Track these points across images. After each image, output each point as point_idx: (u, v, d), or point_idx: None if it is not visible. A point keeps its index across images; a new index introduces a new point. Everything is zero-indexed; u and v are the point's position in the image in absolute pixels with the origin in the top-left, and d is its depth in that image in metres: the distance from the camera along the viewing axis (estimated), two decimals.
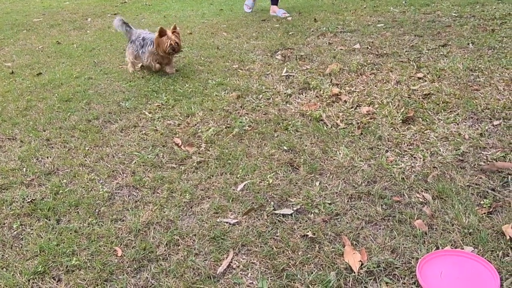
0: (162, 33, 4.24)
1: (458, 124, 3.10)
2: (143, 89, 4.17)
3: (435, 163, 2.69)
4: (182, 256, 2.17)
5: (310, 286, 1.93)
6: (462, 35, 4.99)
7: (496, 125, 3.03)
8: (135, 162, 2.99)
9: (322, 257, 2.07)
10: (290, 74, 4.23)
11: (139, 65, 4.74)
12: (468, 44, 4.68)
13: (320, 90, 3.81)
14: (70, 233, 2.36)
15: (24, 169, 3.02)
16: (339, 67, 4.23)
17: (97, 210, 2.53)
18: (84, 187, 2.75)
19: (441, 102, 3.42)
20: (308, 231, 2.24)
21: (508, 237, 2.03)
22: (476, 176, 2.53)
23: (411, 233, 2.16)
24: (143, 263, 2.13)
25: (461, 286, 1.87)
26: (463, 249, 2.02)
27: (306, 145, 2.98)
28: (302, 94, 3.79)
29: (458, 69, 3.99)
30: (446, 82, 3.78)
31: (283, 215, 2.38)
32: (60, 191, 2.73)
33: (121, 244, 2.25)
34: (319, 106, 3.52)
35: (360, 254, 2.07)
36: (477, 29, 5.16)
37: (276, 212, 2.41)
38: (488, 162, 2.64)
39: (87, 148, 3.22)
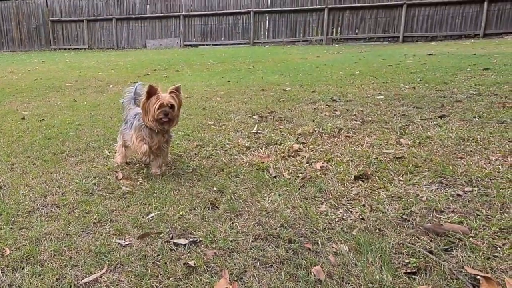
0: (151, 92, 2.96)
1: (420, 186, 2.79)
2: (115, 134, 4.25)
3: (370, 219, 2.43)
4: (58, 264, 2.09)
5: None
6: (471, 109, 4.50)
7: (467, 191, 2.66)
8: (71, 188, 3.02)
9: (192, 286, 1.90)
10: (260, 132, 4.21)
11: (131, 153, 3.46)
12: (474, 117, 4.19)
13: (281, 146, 3.74)
14: None
15: None
16: (312, 129, 4.16)
17: (13, 219, 2.60)
18: (14, 201, 2.86)
19: (411, 165, 3.10)
20: (192, 261, 2.08)
21: None
22: (414, 236, 2.22)
23: (303, 279, 1.95)
24: (21, 264, 2.13)
25: None
26: None
27: (237, 189, 2.88)
28: (262, 148, 3.73)
29: (448, 138, 3.63)
30: (427, 148, 3.45)
31: (177, 244, 2.26)
32: None
33: (13, 247, 2.28)
34: (272, 159, 3.43)
35: None
36: (493, 105, 4.61)
37: (171, 240, 2.28)
38: (433, 222, 2.33)
39: (39, 173, 3.32)
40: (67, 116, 5.41)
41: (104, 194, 2.90)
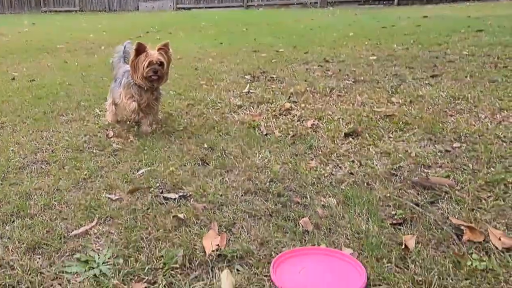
0: (139, 49, 2.88)
1: (409, 143, 2.79)
2: (106, 93, 4.19)
3: (359, 174, 2.43)
4: (49, 217, 2.09)
5: (154, 260, 1.76)
6: (463, 69, 4.50)
7: (455, 147, 2.67)
8: (61, 145, 3.00)
9: (181, 237, 1.91)
10: (252, 91, 4.17)
11: (121, 111, 3.32)
12: (466, 77, 4.20)
13: (273, 105, 3.71)
14: None
15: None
16: (304, 88, 4.13)
17: (3, 175, 2.58)
18: (4, 158, 2.83)
19: (401, 123, 3.10)
20: (182, 214, 2.09)
21: (404, 246, 1.75)
22: (401, 189, 2.23)
23: (291, 230, 1.96)
24: (11, 218, 2.11)
25: (319, 283, 1.64)
26: (341, 249, 1.79)
27: (228, 146, 2.87)
28: (253, 107, 3.70)
29: (439, 97, 3.62)
30: (418, 107, 3.44)
31: (167, 198, 2.26)
32: None
33: (3, 201, 2.26)
34: (263, 117, 3.41)
35: (220, 239, 1.89)
36: (485, 65, 4.60)
37: (161, 195, 2.29)
38: (420, 177, 2.33)
39: (29, 131, 3.30)
40: (57, 76, 5.33)
41: (94, 151, 2.89)
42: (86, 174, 2.53)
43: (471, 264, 1.60)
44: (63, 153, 2.86)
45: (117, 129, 3.29)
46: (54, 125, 3.42)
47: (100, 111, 3.71)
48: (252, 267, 1.71)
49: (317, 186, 2.33)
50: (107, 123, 3.38)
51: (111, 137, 3.12)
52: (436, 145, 2.72)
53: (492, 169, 2.34)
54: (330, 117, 3.36)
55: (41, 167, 2.69)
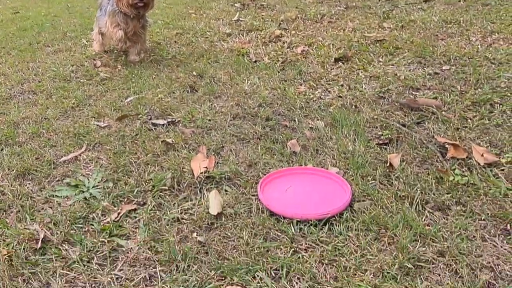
0: None
1: (398, 66, 2.76)
2: (93, 23, 4.06)
3: (348, 97, 2.41)
4: (37, 145, 2.08)
5: (143, 183, 1.77)
6: None
7: (444, 69, 2.64)
8: (48, 75, 2.95)
9: (170, 161, 1.91)
10: (242, 19, 4.05)
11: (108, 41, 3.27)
12: (459, 1, 4.06)
13: (262, 32, 3.61)
14: None
15: None
16: (295, 15, 4.00)
17: None
18: None
19: (391, 47, 3.04)
20: (170, 139, 2.08)
21: (388, 164, 1.76)
22: (389, 111, 2.21)
23: (279, 152, 1.96)
24: (0, 146, 2.11)
25: (305, 200, 1.65)
26: (327, 169, 1.80)
27: (217, 73, 2.82)
28: (243, 35, 3.60)
29: (430, 21, 3.53)
30: (409, 31, 3.37)
31: (155, 124, 2.24)
32: None
33: None
34: (253, 45, 3.33)
35: (208, 162, 1.90)
36: None
37: (150, 121, 2.27)
38: (408, 98, 2.31)
39: (15, 63, 3.22)
40: (42, 8, 5.14)
41: (82, 80, 2.84)
42: (74, 103, 2.50)
43: (453, 179, 1.62)
44: (50, 83, 2.81)
45: (105, 58, 3.22)
46: (40, 56, 3.35)
47: (86, 41, 3.61)
48: (240, 188, 1.72)
49: (306, 109, 2.31)
50: (94, 53, 3.30)
51: (99, 67, 3.05)
52: (425, 68, 2.68)
53: (479, 90, 2.31)
54: (320, 43, 3.28)
55: (28, 97, 2.65)
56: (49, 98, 2.60)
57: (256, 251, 1.38)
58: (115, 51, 3.30)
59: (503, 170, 1.67)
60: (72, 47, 3.50)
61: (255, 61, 3.04)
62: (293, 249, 1.39)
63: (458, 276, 1.25)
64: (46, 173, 1.86)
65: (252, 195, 1.67)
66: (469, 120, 2.04)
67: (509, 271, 1.25)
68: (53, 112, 2.41)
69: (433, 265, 1.29)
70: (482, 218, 1.45)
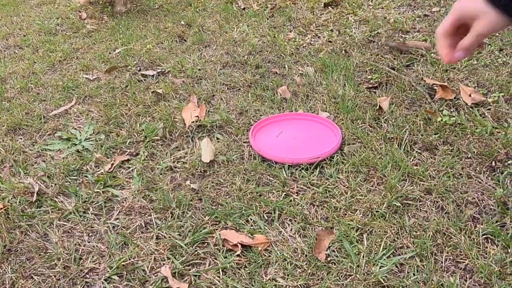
0: None
1: (388, 9, 2.67)
2: None
3: (337, 42, 2.36)
4: (26, 100, 2.04)
5: (135, 134, 1.75)
6: None
7: (434, 11, 2.57)
8: (33, 29, 2.86)
9: (161, 111, 1.89)
10: None
11: None
12: None
13: None
14: None
15: None
16: None
17: None
18: None
19: None
20: (160, 89, 2.04)
21: (378, 107, 1.74)
22: (378, 55, 2.17)
23: (270, 99, 1.93)
24: None
25: (296, 145, 1.65)
26: (317, 114, 1.78)
27: (206, 22, 2.74)
28: None
29: None
30: None
31: (145, 75, 2.20)
32: None
33: None
34: None
35: (199, 111, 1.87)
36: None
37: (139, 72, 2.22)
38: (397, 41, 2.26)
39: None
40: None
41: (68, 33, 2.76)
42: (61, 57, 2.44)
43: (441, 120, 1.62)
44: (36, 37, 2.73)
45: (90, 10, 3.11)
46: (23, 10, 3.23)
47: None
48: (232, 135, 1.72)
49: (296, 56, 2.27)
50: (79, 5, 3.18)
51: (85, 19, 2.96)
52: (415, 11, 2.61)
53: None
54: None
55: (14, 52, 2.58)
56: (35, 52, 2.53)
57: (249, 196, 1.39)
58: (101, 1, 3.18)
59: (489, 109, 1.66)
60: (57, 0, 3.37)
61: (244, 8, 2.95)
62: (285, 193, 1.40)
63: (444, 212, 1.27)
64: (37, 127, 1.84)
65: (244, 142, 1.66)
66: None
67: (492, 205, 1.27)
68: (40, 66, 2.35)
69: (420, 203, 1.30)
70: (469, 156, 1.46)
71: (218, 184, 1.47)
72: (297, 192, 1.40)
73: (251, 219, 1.31)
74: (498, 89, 1.76)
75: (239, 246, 1.20)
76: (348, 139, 1.60)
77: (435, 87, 1.83)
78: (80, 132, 1.79)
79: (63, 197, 1.46)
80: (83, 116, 1.92)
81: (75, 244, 1.27)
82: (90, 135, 1.77)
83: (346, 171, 1.44)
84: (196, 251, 1.22)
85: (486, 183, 1.35)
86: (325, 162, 1.49)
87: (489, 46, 2.09)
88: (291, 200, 1.36)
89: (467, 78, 1.88)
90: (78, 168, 1.59)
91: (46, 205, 1.43)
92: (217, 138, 1.71)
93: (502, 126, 1.57)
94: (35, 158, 1.67)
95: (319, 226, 1.26)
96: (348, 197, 1.35)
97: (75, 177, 1.55)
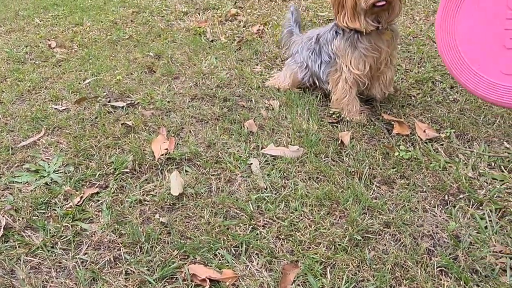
0: None
1: None
2: (45, 1, 3.87)
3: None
4: None
5: (105, 166, 1.74)
6: None
7: None
8: (1, 57, 2.80)
9: (130, 143, 1.88)
10: None
11: None
12: None
13: (218, 11, 3.55)
14: None
15: None
16: None
17: None
18: None
19: None
20: (130, 121, 2.04)
21: (340, 142, 1.81)
22: None
23: (237, 132, 1.96)
24: None
25: None
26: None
27: (175, 53, 2.76)
28: (199, 13, 3.53)
29: None
30: None
31: (114, 107, 2.19)
32: None
33: None
34: (209, 24, 3.27)
35: (169, 143, 1.88)
36: None
37: (109, 104, 2.21)
38: None
39: None
40: None
41: (37, 62, 2.72)
42: (30, 86, 2.40)
43: (398, 155, 1.69)
44: (4, 65, 2.68)
45: (60, 39, 3.08)
46: None
47: (40, 21, 3.43)
48: (200, 168, 1.73)
49: (262, 89, 2.32)
50: (47, 32, 3.16)
51: (54, 48, 2.93)
52: None
53: (422, 68, 2.39)
54: (275, 22, 3.26)
55: None
56: (3, 81, 2.49)
57: (217, 229, 1.40)
58: (71, 30, 3.17)
59: (442, 144, 1.75)
60: (25, 27, 3.33)
61: (212, 41, 3.00)
62: (251, 226, 1.41)
63: (402, 245, 1.32)
64: (5, 159, 1.80)
65: (212, 175, 1.68)
66: (412, 98, 2.11)
67: (446, 238, 1.33)
68: (8, 95, 2.31)
69: (380, 236, 1.35)
70: (424, 190, 1.52)
71: (187, 218, 1.47)
72: (263, 226, 1.42)
73: (219, 253, 1.32)
74: (450, 125, 1.85)
75: (208, 281, 1.21)
76: (312, 173, 1.64)
77: (392, 123, 1.90)
78: (48, 164, 1.76)
79: (31, 231, 1.43)
80: (52, 147, 1.89)
81: (43, 281, 1.25)
82: (59, 167, 1.75)
83: (310, 205, 1.48)
84: (165, 286, 1.22)
85: (440, 216, 1.42)
86: (290, 195, 1.52)
87: (441, 84, 2.20)
88: (257, 234, 1.38)
89: (421, 114, 1.97)
90: (47, 201, 1.56)
91: (13, 239, 1.39)
92: (186, 171, 1.72)
93: (454, 161, 1.65)
94: (2, 190, 1.63)
95: (284, 260, 1.29)
96: (312, 230, 1.38)
97: (43, 211, 1.52)
